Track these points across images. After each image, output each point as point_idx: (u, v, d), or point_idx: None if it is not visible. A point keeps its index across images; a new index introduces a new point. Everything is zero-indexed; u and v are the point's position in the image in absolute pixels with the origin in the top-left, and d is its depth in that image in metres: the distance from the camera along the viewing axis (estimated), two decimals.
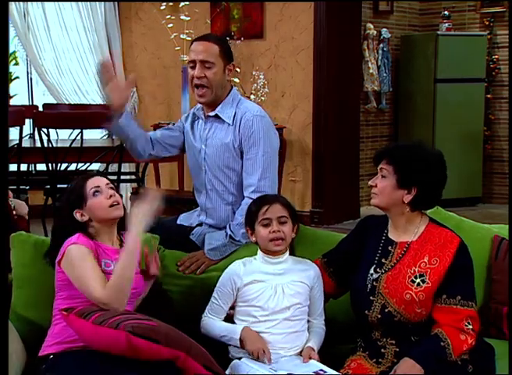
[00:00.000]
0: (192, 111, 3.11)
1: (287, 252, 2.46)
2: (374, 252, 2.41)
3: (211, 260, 2.80)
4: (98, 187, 2.39)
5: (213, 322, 2.44)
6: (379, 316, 2.32)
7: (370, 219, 2.54)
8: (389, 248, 2.40)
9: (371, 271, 2.38)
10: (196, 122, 3.08)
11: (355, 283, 2.42)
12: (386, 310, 2.31)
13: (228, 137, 2.92)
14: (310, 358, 2.34)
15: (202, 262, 2.79)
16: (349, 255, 2.49)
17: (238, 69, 6.06)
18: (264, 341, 2.35)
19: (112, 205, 2.38)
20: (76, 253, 2.29)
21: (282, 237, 2.40)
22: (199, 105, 3.05)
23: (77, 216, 2.38)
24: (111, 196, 2.39)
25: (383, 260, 2.39)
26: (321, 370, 2.28)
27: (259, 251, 2.46)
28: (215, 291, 2.47)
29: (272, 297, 2.39)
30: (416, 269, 2.32)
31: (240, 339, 2.35)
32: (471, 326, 2.27)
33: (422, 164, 2.32)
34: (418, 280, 2.30)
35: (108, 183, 2.42)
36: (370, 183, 2.40)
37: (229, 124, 2.93)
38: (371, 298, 2.35)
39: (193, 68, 2.91)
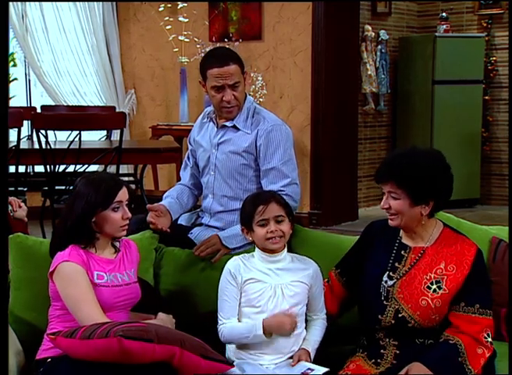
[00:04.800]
0: (205, 111, 3.13)
1: (285, 250, 2.44)
2: (387, 257, 2.39)
3: (226, 248, 2.78)
4: (121, 202, 2.35)
5: (229, 328, 2.38)
6: (393, 322, 2.31)
7: (375, 224, 2.52)
8: (403, 252, 2.38)
9: (385, 277, 2.35)
10: (207, 123, 3.09)
11: (365, 284, 2.40)
12: (400, 315, 2.30)
13: (244, 144, 2.94)
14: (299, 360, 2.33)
15: (218, 249, 2.78)
16: (359, 263, 2.46)
17: None
18: (285, 314, 2.33)
19: (122, 226, 2.38)
20: (68, 272, 2.27)
21: (281, 235, 2.38)
22: (210, 109, 3.07)
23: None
24: (127, 218, 2.37)
25: (396, 264, 2.37)
26: (309, 369, 2.27)
27: (257, 249, 2.44)
28: (219, 293, 2.42)
29: (272, 298, 2.37)
30: (432, 276, 2.30)
31: (264, 332, 2.31)
32: (490, 339, 2.26)
33: (431, 177, 2.27)
34: (434, 287, 2.29)
35: (127, 199, 2.39)
36: (382, 206, 2.34)
37: (246, 133, 2.95)
38: (384, 302, 2.33)
39: (219, 91, 2.90)
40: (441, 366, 2.20)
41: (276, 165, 2.90)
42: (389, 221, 2.36)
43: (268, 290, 2.37)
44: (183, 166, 3.23)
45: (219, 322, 2.40)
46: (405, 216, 2.31)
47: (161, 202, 3.01)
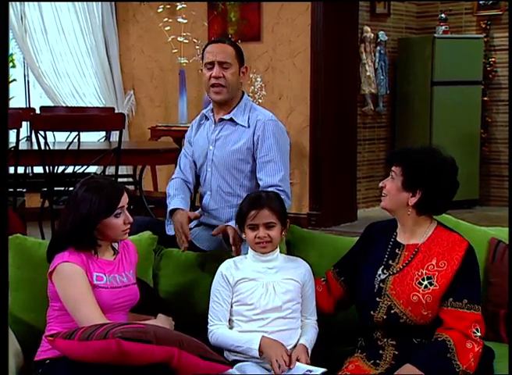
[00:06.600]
0: (201, 113, 3.14)
1: (277, 250, 2.48)
2: (382, 254, 2.42)
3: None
4: (123, 207, 2.35)
5: (224, 333, 2.40)
6: (385, 317, 2.33)
7: (375, 225, 2.55)
8: (397, 250, 2.41)
9: (379, 271, 2.38)
10: (204, 122, 3.11)
11: (362, 283, 2.42)
12: (392, 311, 2.32)
13: (241, 139, 2.96)
14: (297, 360, 2.32)
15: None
16: (357, 263, 2.49)
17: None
18: (284, 347, 2.34)
19: (124, 230, 2.38)
20: (67, 272, 2.27)
21: (268, 240, 2.43)
22: (209, 107, 3.09)
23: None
24: (128, 222, 2.37)
25: (390, 262, 2.39)
26: (308, 370, 2.27)
27: (250, 249, 2.49)
28: (211, 295, 2.46)
29: (264, 295, 2.40)
30: (424, 272, 2.32)
31: (259, 349, 2.32)
32: (479, 334, 2.26)
33: (428, 168, 2.32)
34: (426, 283, 2.30)
35: (127, 203, 2.39)
36: (380, 184, 2.43)
37: (243, 127, 2.97)
38: (377, 298, 2.35)
39: (210, 69, 2.96)
40: (431, 364, 2.20)
41: (274, 157, 2.92)
42: (381, 203, 2.43)
43: (260, 287, 2.41)
44: (179, 157, 3.17)
45: (209, 323, 2.44)
46: (391, 199, 2.37)
47: (174, 203, 2.94)
